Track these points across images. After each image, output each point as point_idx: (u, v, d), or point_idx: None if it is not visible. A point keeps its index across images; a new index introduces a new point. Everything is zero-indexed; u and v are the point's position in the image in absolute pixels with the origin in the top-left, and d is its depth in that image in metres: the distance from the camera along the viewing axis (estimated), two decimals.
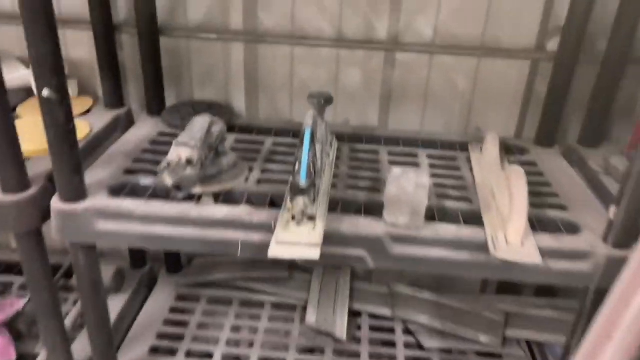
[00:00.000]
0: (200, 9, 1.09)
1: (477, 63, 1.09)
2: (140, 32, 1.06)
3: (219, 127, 0.85)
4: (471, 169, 0.98)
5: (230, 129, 1.09)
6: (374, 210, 0.83)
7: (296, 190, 0.69)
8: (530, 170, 0.98)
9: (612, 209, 0.73)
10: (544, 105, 1.05)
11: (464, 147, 1.07)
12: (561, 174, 0.96)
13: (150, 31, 1.06)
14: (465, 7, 1.04)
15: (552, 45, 1.04)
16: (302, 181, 0.69)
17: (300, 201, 0.69)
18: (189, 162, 0.78)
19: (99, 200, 0.80)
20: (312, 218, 0.73)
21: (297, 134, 1.10)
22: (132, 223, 0.79)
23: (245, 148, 1.01)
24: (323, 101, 0.92)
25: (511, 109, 1.13)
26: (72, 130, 0.74)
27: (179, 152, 0.78)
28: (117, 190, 0.84)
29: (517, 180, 0.75)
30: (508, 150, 1.04)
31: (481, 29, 1.05)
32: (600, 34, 1.01)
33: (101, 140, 1.01)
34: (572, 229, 0.80)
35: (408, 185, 0.79)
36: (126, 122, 1.10)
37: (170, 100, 1.16)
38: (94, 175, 0.87)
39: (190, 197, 0.81)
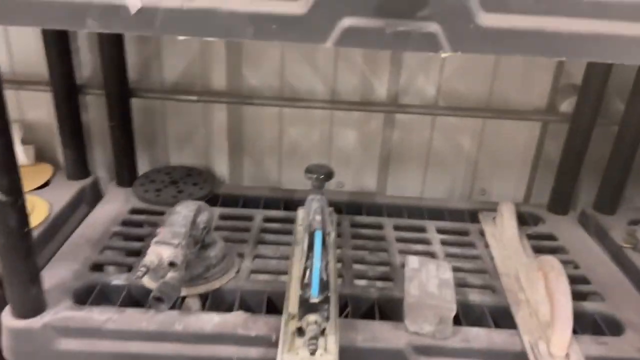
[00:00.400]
0: (177, 67, 0.97)
1: (482, 123, 1.00)
2: (108, 93, 0.93)
3: (205, 215, 0.72)
4: (486, 245, 0.88)
5: (213, 199, 0.97)
6: (390, 308, 0.72)
7: (307, 307, 0.58)
8: (551, 246, 0.89)
9: None
10: (558, 170, 0.97)
11: (472, 215, 0.97)
12: (585, 250, 0.88)
13: (120, 92, 0.94)
14: (470, 65, 0.95)
15: (566, 106, 0.96)
16: (315, 296, 0.57)
17: (313, 319, 0.57)
18: (171, 264, 0.65)
19: (60, 312, 0.66)
20: (322, 331, 0.61)
21: (288, 204, 0.99)
22: (102, 340, 0.65)
23: (232, 226, 0.88)
24: (323, 176, 0.81)
25: (520, 172, 1.04)
26: (27, 235, 0.60)
27: (159, 253, 0.65)
28: (82, 295, 0.70)
29: (557, 279, 0.65)
30: (521, 220, 0.95)
31: (488, 87, 0.97)
32: (617, 94, 0.94)
33: (63, 221, 0.87)
34: (614, 327, 0.70)
35: (429, 283, 0.68)
36: (92, 195, 0.96)
37: (142, 165, 1.03)
38: (54, 274, 0.73)
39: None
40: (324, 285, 0.58)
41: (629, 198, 1.02)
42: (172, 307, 0.68)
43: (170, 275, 0.65)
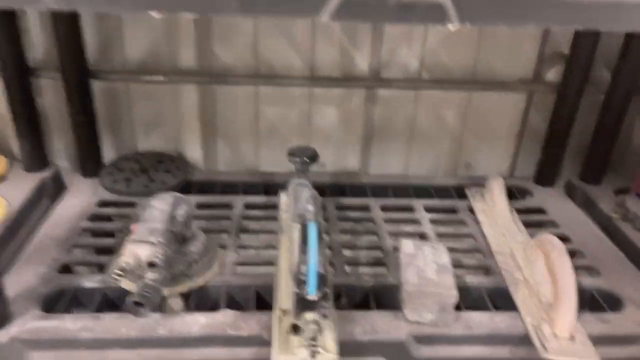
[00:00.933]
0: (141, 45, 0.89)
1: (467, 96, 0.97)
2: (66, 75, 0.85)
3: (183, 208, 0.66)
4: (476, 222, 0.85)
5: (187, 186, 0.90)
6: (385, 295, 0.69)
7: (304, 305, 0.53)
8: (541, 219, 0.88)
9: None
10: (545, 141, 0.94)
11: (460, 191, 0.95)
12: (575, 222, 0.86)
13: (78, 74, 0.85)
14: (454, 35, 0.91)
15: (552, 75, 0.94)
16: (312, 294, 0.53)
17: (311, 318, 0.53)
18: (151, 265, 0.59)
19: (29, 323, 0.60)
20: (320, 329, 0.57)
21: (268, 188, 0.93)
22: (78, 350, 0.59)
23: (210, 215, 0.83)
24: (307, 159, 0.76)
25: (505, 145, 1.02)
26: None
27: (136, 253, 0.59)
28: (52, 302, 0.64)
29: (560, 259, 0.62)
30: (509, 194, 0.93)
31: (472, 58, 0.93)
32: (603, 62, 0.92)
33: (23, 219, 0.79)
34: (614, 302, 0.69)
35: (427, 269, 0.65)
36: (54, 188, 0.88)
37: (108, 153, 0.96)
38: (18, 280, 0.66)
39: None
40: (322, 281, 0.54)
41: (613, 166, 1.02)
42: (153, 310, 0.63)
43: (151, 276, 0.60)
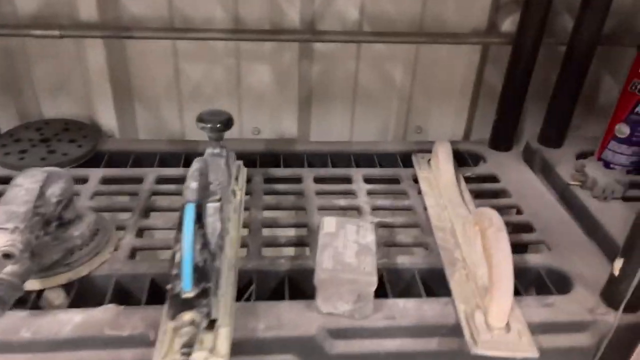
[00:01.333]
0: None
1: (415, 50, 0.86)
2: None
3: (59, 186, 0.56)
4: (419, 192, 0.76)
5: (96, 158, 0.80)
6: (304, 282, 0.60)
7: (179, 304, 0.44)
8: (492, 188, 0.79)
9: (618, 263, 0.55)
10: (500, 99, 0.84)
11: (406, 159, 0.85)
12: (530, 191, 0.77)
13: None
14: None
15: (509, 25, 0.83)
16: (187, 290, 0.43)
17: (188, 319, 0.44)
18: (6, 256, 0.49)
19: None
20: (212, 324, 0.48)
21: (190, 159, 0.82)
22: None
23: (115, 191, 0.73)
24: (220, 126, 0.65)
25: (459, 106, 0.92)
26: None
27: None
28: None
29: (496, 236, 0.54)
30: (460, 161, 0.84)
31: (420, 7, 0.82)
32: (565, 8, 0.81)
33: None
34: (561, 283, 0.61)
35: (346, 251, 0.56)
36: None
37: (9, 121, 0.84)
38: None
39: (23, 297, 0.53)
40: (202, 274, 0.44)
41: (576, 127, 0.92)
42: (23, 305, 0.54)
43: (8, 269, 0.50)
